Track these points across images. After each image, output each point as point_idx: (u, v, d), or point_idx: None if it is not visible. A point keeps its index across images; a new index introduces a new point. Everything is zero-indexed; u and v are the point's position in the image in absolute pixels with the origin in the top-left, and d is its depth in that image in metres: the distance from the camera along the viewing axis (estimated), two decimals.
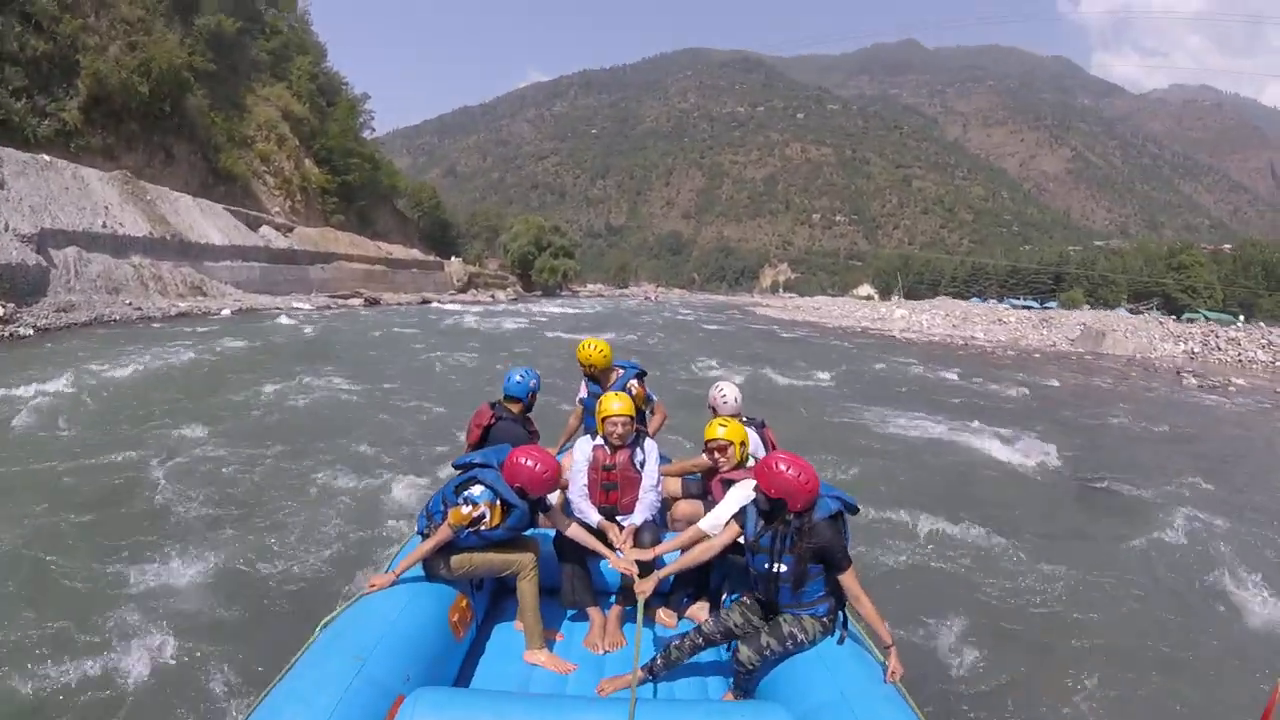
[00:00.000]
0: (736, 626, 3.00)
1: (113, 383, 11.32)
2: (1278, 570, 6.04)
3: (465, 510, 3.07)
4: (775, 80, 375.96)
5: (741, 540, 3.03)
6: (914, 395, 15.44)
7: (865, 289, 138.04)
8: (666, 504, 4.09)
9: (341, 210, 59.47)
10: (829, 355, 24.54)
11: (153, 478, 6.72)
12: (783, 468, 2.81)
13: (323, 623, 2.78)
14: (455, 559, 3.17)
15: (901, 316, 47.84)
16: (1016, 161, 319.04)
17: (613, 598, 3.55)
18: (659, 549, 3.39)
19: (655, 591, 3.18)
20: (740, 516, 3.05)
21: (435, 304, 48.21)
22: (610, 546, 3.45)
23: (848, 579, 2.84)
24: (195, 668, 3.73)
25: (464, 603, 3.17)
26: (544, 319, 35.33)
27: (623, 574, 3.34)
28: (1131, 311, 67.35)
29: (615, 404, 3.64)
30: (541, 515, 3.31)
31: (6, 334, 16.85)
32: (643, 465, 3.68)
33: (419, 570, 3.16)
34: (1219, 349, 34.24)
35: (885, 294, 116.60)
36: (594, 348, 4.58)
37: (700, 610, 3.58)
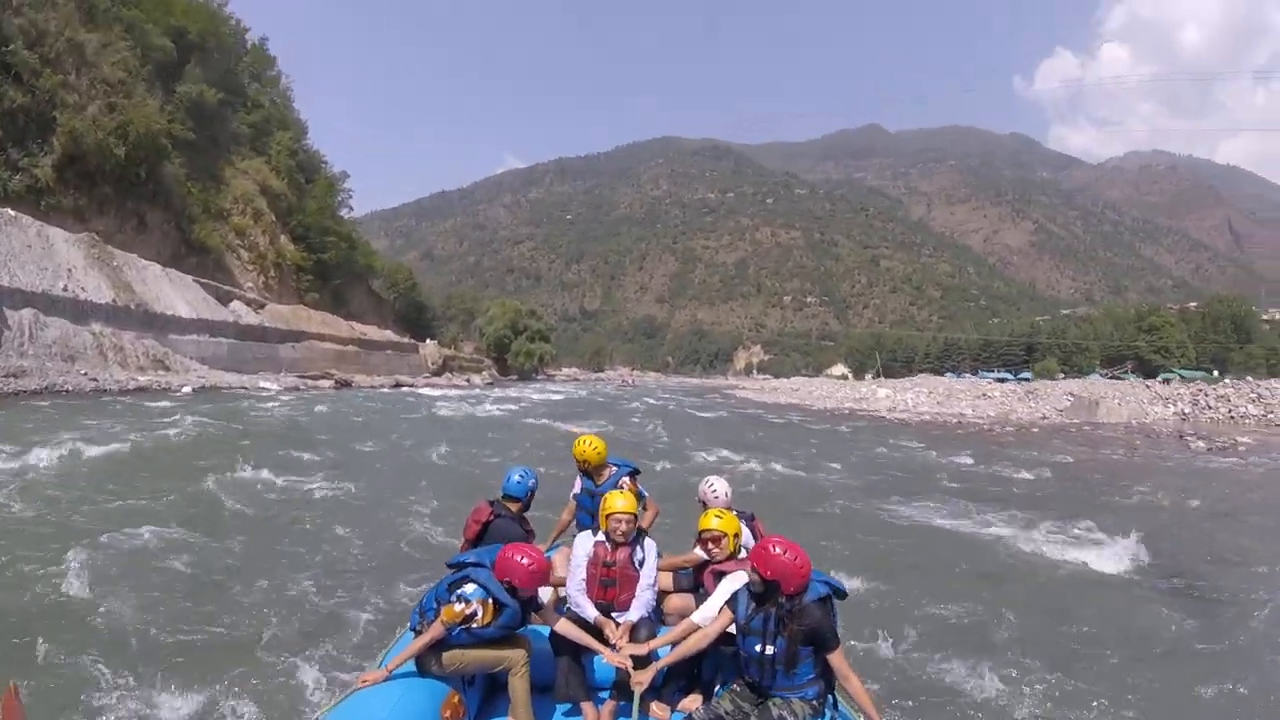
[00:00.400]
0: (727, 714, 3.03)
1: (56, 465, 10.44)
2: None
3: (458, 608, 3.13)
4: (744, 167, 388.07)
5: (733, 629, 3.07)
6: (935, 485, 14.35)
7: (839, 368, 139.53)
8: (659, 597, 4.09)
9: (316, 288, 58.50)
10: (827, 441, 23.62)
11: (82, 588, 5.65)
12: (778, 550, 2.90)
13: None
14: (447, 655, 3.18)
15: (885, 396, 47.42)
16: (980, 237, 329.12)
17: (606, 693, 3.54)
18: (654, 643, 3.44)
19: (649, 685, 3.24)
20: (732, 601, 3.11)
21: (409, 387, 46.84)
22: (605, 642, 3.47)
23: (836, 659, 2.90)
24: None
25: (456, 699, 3.17)
26: (524, 405, 34.19)
27: (616, 669, 3.38)
28: (1109, 377, 68.38)
29: (619, 502, 3.70)
30: (534, 614, 3.36)
31: None
32: (642, 564, 3.72)
33: (411, 666, 3.18)
34: (1210, 407, 34.37)
35: (859, 373, 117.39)
36: (589, 444, 4.69)
37: (693, 702, 3.53)
